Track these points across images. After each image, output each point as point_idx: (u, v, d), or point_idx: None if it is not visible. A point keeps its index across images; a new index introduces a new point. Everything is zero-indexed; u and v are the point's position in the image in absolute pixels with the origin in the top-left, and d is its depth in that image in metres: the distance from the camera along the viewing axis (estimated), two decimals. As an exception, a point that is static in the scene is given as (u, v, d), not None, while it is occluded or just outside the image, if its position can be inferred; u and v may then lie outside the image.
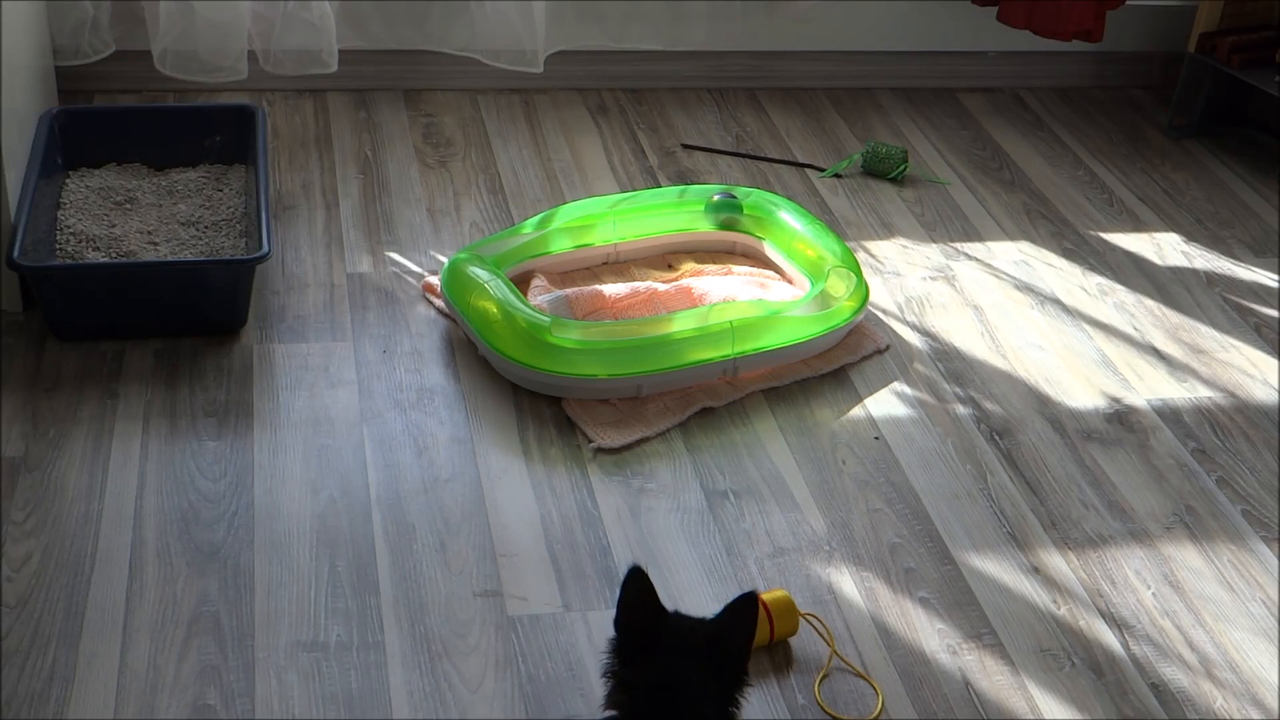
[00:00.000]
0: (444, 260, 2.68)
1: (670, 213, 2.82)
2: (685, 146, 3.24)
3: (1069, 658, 2.01)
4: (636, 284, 2.63)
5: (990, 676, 1.96)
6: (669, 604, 2.03)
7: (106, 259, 2.54)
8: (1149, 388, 2.57)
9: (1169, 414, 2.51)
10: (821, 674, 1.93)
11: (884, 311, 2.72)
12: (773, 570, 2.10)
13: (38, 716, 1.79)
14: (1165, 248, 3.02)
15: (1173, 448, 2.43)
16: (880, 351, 2.60)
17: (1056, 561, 2.17)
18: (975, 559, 2.16)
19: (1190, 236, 3.07)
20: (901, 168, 3.15)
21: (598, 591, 2.03)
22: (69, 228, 2.61)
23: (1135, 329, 2.74)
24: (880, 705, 1.90)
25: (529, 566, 2.07)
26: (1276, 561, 2.21)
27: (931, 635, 2.02)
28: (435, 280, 2.61)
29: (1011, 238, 3.00)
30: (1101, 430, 2.46)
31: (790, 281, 2.73)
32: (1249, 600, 2.13)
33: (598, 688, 1.87)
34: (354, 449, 2.26)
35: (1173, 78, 3.61)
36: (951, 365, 2.59)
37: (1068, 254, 2.96)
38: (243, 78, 3.08)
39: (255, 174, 2.67)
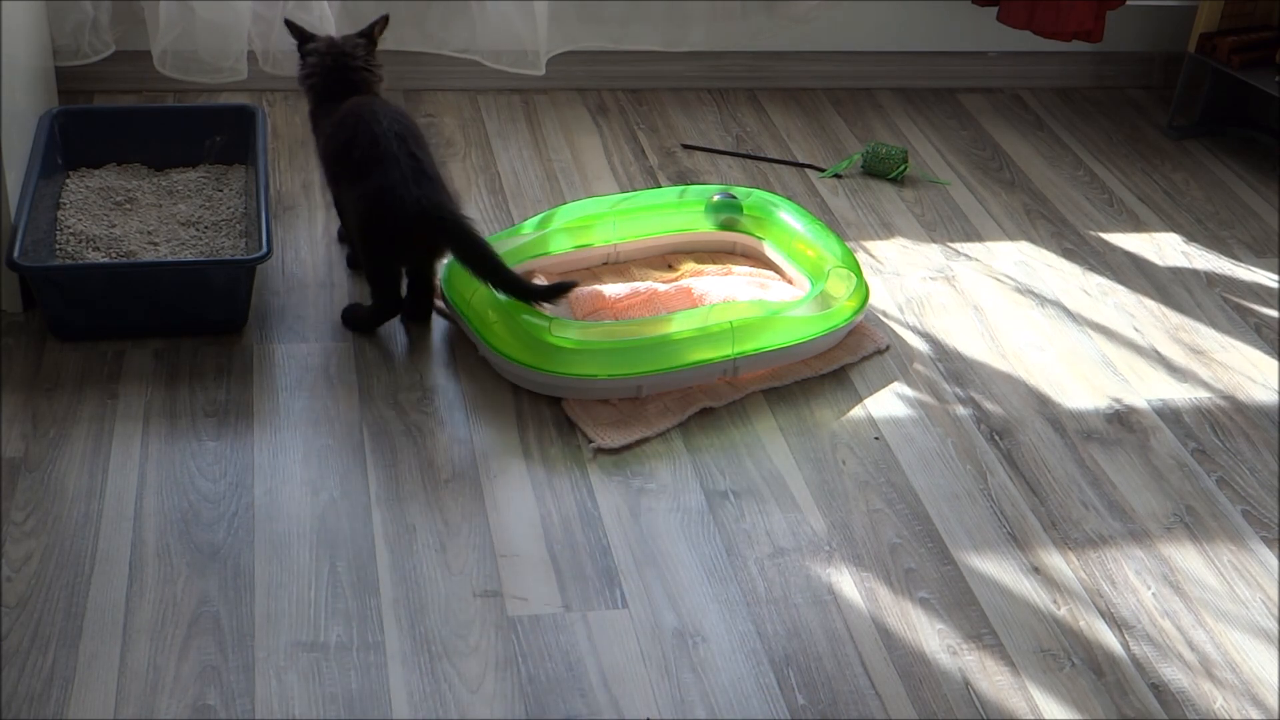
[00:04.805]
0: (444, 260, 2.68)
1: (670, 213, 2.82)
2: (685, 147, 3.24)
3: (1069, 658, 2.01)
4: (636, 284, 2.63)
5: (990, 677, 1.96)
6: (671, 610, 2.04)
7: (106, 259, 2.54)
8: (1149, 388, 2.57)
9: (1169, 414, 2.51)
10: None
11: (884, 312, 2.71)
12: (773, 570, 2.10)
13: (38, 717, 1.79)
14: (1165, 248, 3.02)
15: (1173, 448, 2.43)
16: (880, 352, 2.60)
17: (1056, 561, 2.17)
18: (975, 559, 2.16)
19: (1190, 236, 3.07)
20: (901, 168, 3.15)
21: (598, 591, 2.03)
22: (69, 228, 2.60)
23: (1135, 329, 2.73)
24: None
25: (529, 566, 2.07)
26: (1276, 561, 2.21)
27: (931, 635, 2.02)
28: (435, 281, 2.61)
29: (1011, 238, 3.00)
30: (1101, 430, 2.46)
31: (790, 282, 2.73)
32: (1249, 600, 2.13)
33: (598, 690, 1.88)
34: (354, 449, 2.26)
35: (1173, 78, 3.61)
36: (951, 365, 2.59)
37: (1068, 254, 2.96)
38: (243, 78, 3.08)
39: (255, 174, 2.67)
